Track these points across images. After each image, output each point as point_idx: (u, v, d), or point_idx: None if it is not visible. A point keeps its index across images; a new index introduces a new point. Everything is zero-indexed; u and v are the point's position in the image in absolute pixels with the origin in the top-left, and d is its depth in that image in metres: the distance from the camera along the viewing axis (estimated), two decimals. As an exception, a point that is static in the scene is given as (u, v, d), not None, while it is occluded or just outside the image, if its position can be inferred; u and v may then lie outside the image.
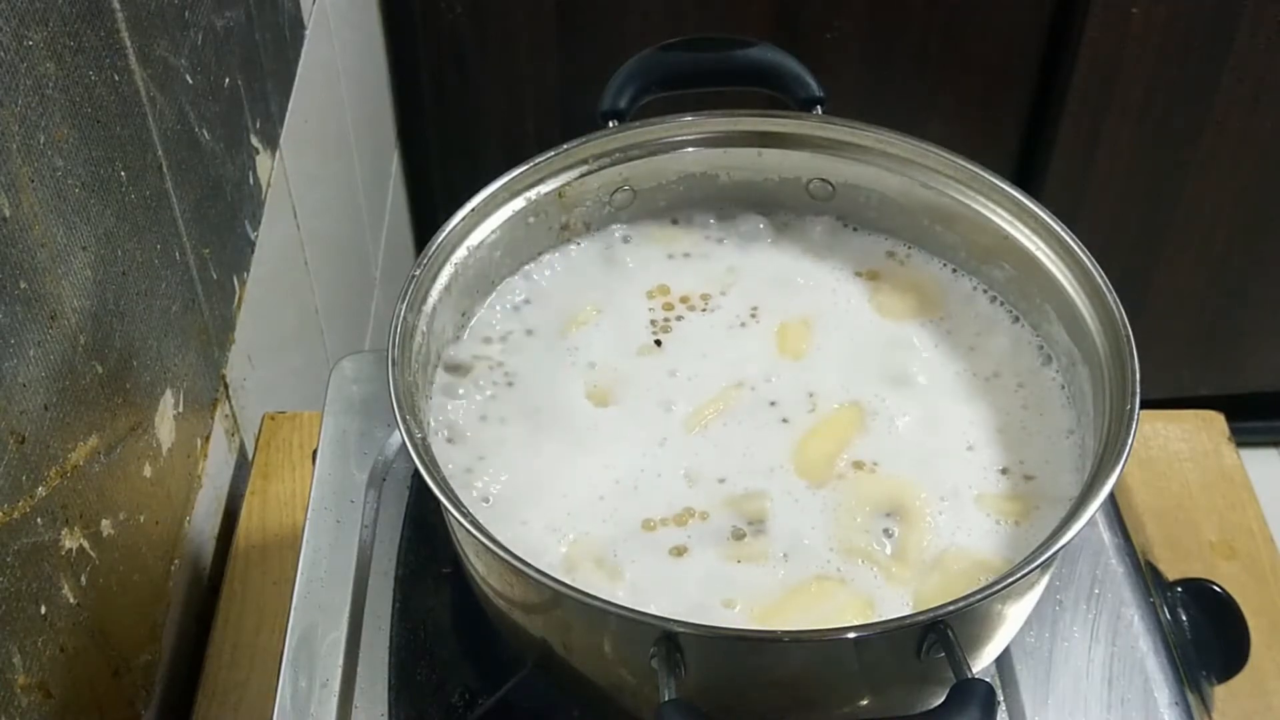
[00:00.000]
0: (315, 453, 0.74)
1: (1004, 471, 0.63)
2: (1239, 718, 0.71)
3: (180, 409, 0.75)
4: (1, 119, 0.54)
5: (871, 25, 1.48)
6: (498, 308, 0.70)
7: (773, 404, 0.66)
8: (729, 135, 0.71)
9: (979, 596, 0.51)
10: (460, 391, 0.66)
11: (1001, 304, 0.69)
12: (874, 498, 0.62)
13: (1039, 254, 0.65)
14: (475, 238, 0.67)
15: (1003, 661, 0.64)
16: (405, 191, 1.59)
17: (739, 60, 0.74)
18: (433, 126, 1.57)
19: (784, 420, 0.65)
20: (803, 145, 0.71)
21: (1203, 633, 0.68)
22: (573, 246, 0.72)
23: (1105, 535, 0.69)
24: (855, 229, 0.73)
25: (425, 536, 0.70)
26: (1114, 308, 0.61)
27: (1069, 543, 0.52)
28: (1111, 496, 0.65)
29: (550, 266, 0.72)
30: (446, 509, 0.54)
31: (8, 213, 0.54)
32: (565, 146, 0.69)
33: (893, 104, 1.53)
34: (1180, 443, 0.85)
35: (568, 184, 0.70)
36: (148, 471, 0.71)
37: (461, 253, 0.66)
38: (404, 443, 0.56)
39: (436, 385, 0.66)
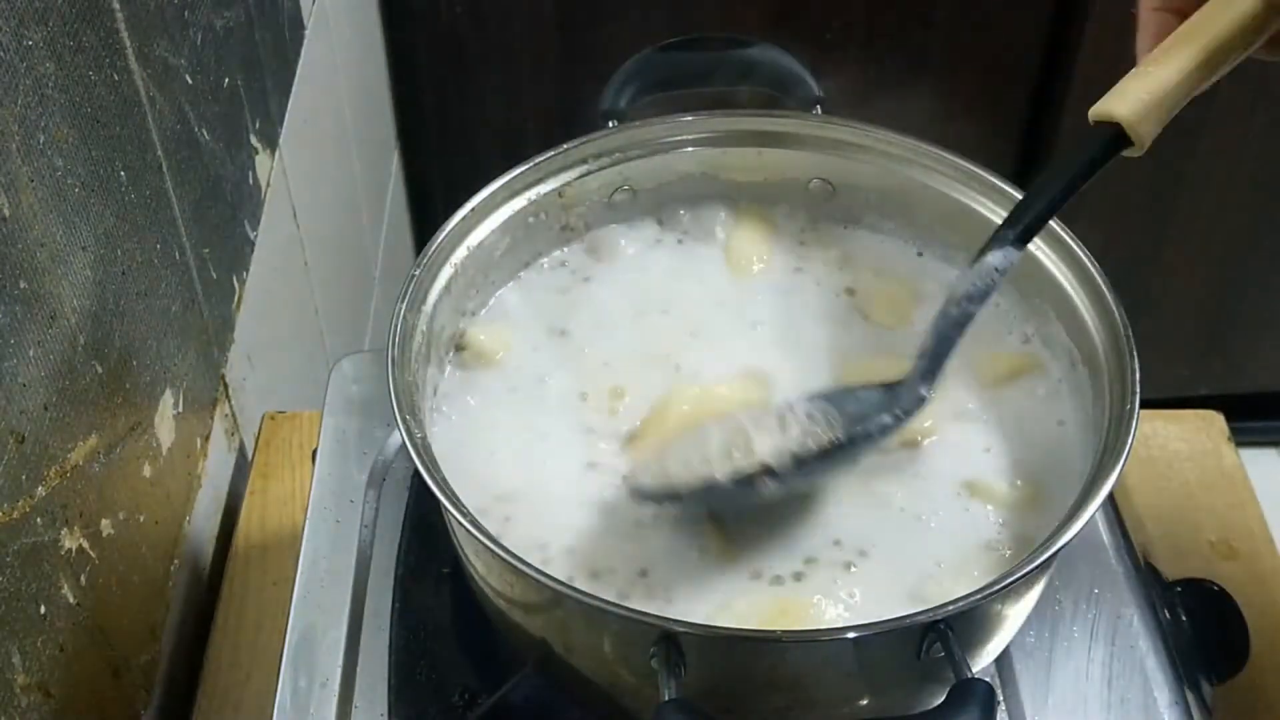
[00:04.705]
0: (315, 453, 0.74)
1: (1003, 470, 0.63)
2: (1239, 718, 0.71)
3: (180, 409, 0.75)
4: (1, 119, 0.54)
5: (871, 25, 1.48)
6: (497, 307, 0.70)
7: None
8: (729, 135, 0.71)
9: (979, 596, 0.51)
10: (460, 391, 0.66)
11: (1001, 304, 0.69)
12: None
13: (1039, 254, 0.65)
14: (475, 238, 0.67)
15: (1003, 661, 0.64)
16: (405, 191, 1.59)
17: (739, 60, 0.74)
18: (433, 126, 1.57)
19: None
20: (803, 145, 0.71)
21: (1203, 633, 0.68)
22: (572, 247, 0.72)
23: (1105, 535, 0.69)
24: (854, 230, 0.73)
25: (425, 536, 0.70)
26: (1114, 308, 0.61)
27: (1069, 543, 0.52)
28: (1111, 496, 0.65)
29: (550, 267, 0.72)
30: (446, 509, 0.54)
31: (8, 213, 0.54)
32: (565, 146, 0.69)
33: (893, 104, 1.53)
34: (1180, 443, 0.85)
35: (568, 184, 0.70)
36: (148, 471, 0.71)
37: (461, 253, 0.66)
38: (404, 443, 0.56)
39: (436, 383, 0.66)
